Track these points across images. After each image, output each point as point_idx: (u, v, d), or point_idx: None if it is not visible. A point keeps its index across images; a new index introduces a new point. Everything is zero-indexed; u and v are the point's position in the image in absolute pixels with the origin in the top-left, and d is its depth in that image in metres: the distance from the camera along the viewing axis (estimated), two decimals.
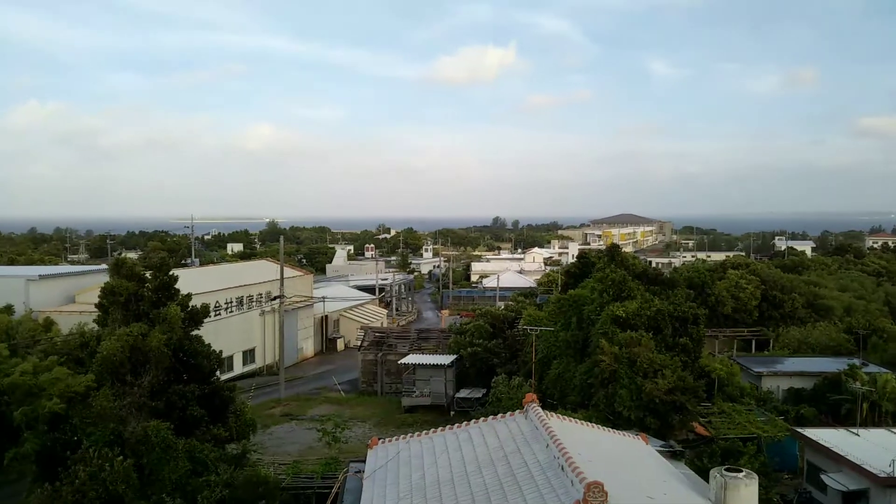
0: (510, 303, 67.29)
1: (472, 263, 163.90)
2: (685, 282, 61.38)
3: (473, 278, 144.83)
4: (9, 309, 44.61)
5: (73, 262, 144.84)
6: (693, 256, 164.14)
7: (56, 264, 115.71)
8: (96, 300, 35.26)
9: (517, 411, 23.18)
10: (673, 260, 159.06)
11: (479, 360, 52.65)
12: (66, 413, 29.27)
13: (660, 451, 25.62)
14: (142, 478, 28.76)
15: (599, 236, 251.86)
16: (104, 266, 78.36)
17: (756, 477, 19.55)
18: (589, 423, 25.78)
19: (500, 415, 23.93)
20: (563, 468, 17.52)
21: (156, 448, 28.84)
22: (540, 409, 21.92)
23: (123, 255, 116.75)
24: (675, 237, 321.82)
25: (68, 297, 61.08)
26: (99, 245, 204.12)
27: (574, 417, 26.33)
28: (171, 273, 34.99)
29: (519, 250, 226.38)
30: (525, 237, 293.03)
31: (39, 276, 62.10)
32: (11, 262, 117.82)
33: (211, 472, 29.29)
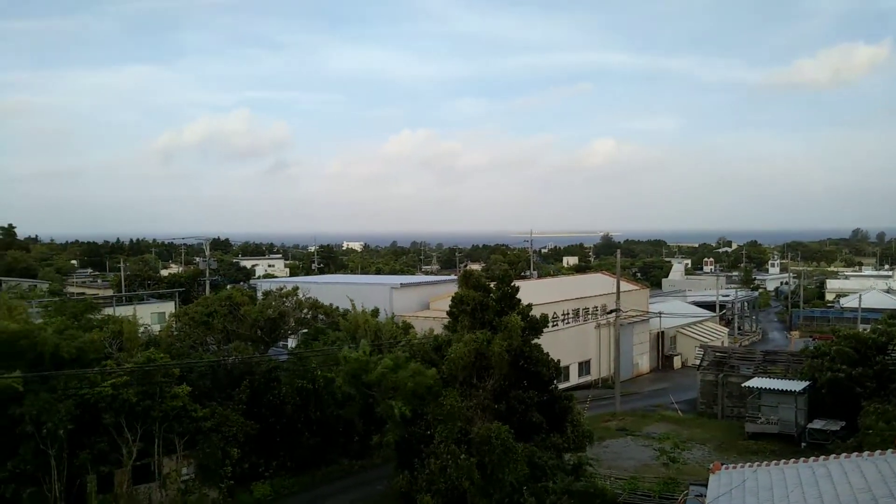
0: (878, 326, 59.24)
1: (828, 280, 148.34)
2: None
3: (829, 297, 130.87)
4: (375, 312, 50.34)
5: (426, 273, 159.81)
6: None
7: (413, 274, 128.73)
8: (447, 307, 38.17)
9: (889, 450, 20.32)
10: None
11: (840, 388, 47.11)
12: (414, 413, 32.05)
13: None
14: (484, 476, 30.48)
15: None
16: (453, 276, 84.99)
17: None
18: None
19: (866, 452, 21.15)
20: None
21: (497, 449, 30.36)
22: None
23: (469, 266, 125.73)
24: None
25: (423, 303, 67.28)
26: (448, 257, 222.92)
27: None
28: (513, 284, 36.63)
29: (885, 266, 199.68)
30: (893, 251, 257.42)
31: (401, 284, 69.31)
32: (378, 272, 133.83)
33: (549, 479, 30.02)
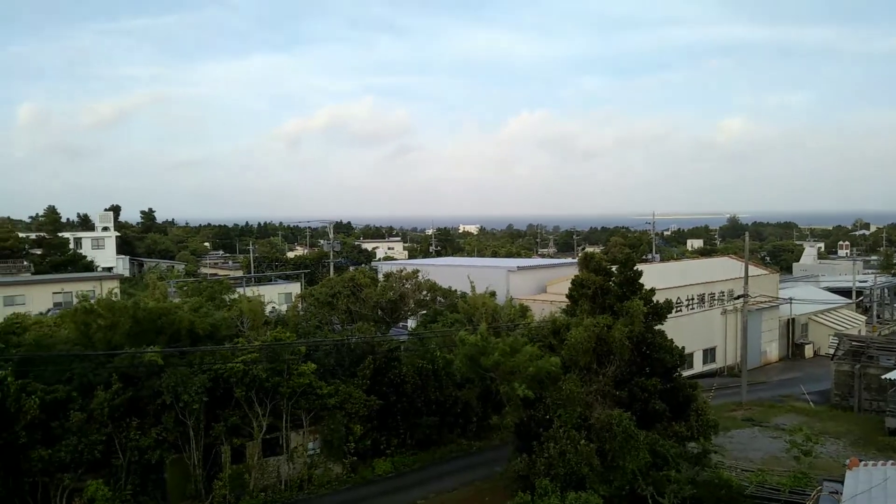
0: None
1: None
2: None
3: None
4: (493, 295, 50.47)
5: (542, 256, 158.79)
6: None
7: (529, 257, 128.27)
8: (564, 291, 37.81)
9: None
10: None
11: None
12: (535, 396, 31.95)
13: None
14: (603, 463, 30.07)
15: None
16: (570, 260, 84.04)
17: None
18: None
19: None
20: None
21: (618, 436, 29.83)
22: None
23: (587, 249, 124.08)
24: None
25: (540, 286, 66.90)
26: (565, 240, 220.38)
27: None
28: (635, 268, 35.77)
29: None
30: None
31: (517, 267, 69.22)
32: (494, 255, 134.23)
33: (671, 468, 29.28)
